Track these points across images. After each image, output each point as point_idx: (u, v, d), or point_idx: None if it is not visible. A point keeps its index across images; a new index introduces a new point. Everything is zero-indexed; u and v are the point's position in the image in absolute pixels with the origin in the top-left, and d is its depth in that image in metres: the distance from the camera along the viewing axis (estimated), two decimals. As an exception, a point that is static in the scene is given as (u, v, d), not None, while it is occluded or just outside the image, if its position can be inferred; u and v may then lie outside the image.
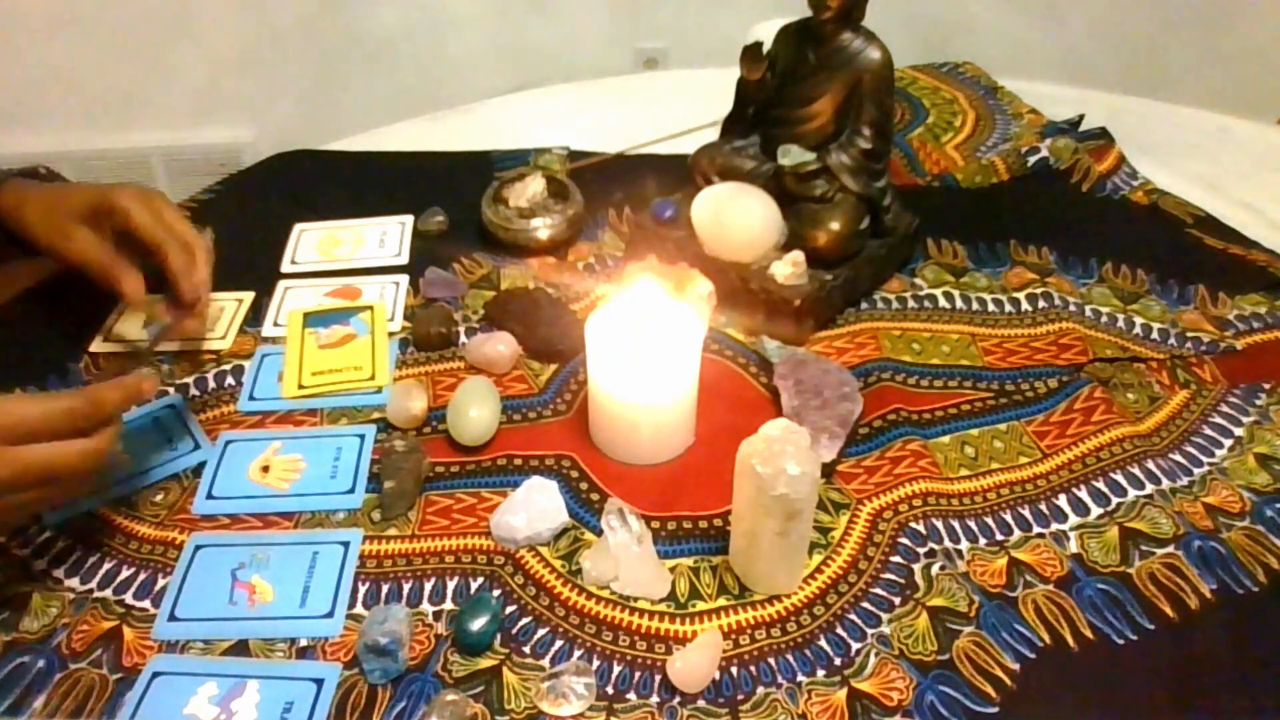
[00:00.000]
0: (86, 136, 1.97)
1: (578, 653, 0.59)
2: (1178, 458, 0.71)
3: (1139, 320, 0.82)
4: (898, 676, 0.57)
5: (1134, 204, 0.97)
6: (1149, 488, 0.68)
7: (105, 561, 0.64)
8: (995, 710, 0.56)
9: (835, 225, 0.79)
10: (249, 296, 0.84)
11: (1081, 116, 1.07)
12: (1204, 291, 0.85)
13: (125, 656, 0.58)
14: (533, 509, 0.65)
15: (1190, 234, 0.92)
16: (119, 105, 1.96)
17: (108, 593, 0.62)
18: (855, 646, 0.59)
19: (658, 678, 0.57)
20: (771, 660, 0.58)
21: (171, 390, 0.76)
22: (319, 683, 0.56)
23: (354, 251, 0.90)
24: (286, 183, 1.00)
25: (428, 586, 0.62)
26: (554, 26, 1.99)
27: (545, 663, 0.58)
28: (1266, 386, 0.76)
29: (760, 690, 0.57)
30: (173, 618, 0.60)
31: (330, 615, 0.60)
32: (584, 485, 0.69)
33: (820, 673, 0.58)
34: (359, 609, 0.61)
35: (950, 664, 0.58)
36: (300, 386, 0.76)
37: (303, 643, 0.59)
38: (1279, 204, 0.96)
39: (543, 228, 0.88)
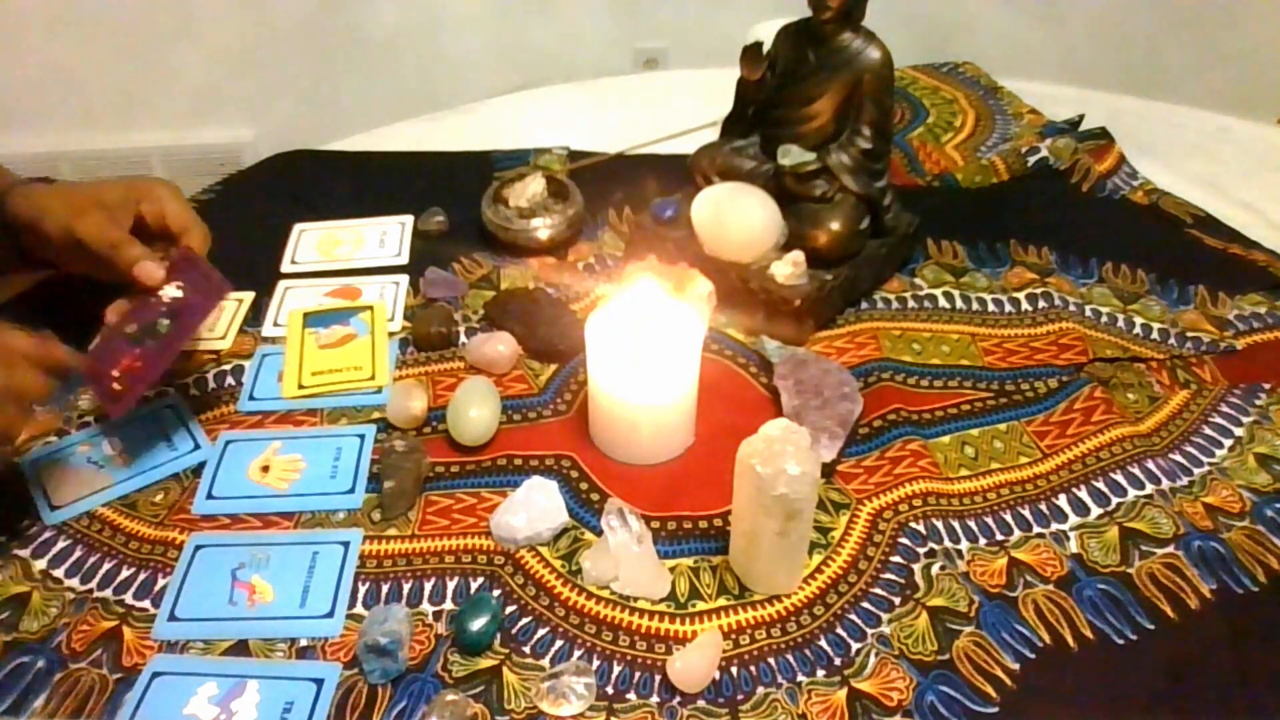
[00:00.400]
0: (86, 136, 1.97)
1: (578, 653, 0.59)
2: (1178, 458, 0.71)
3: (1139, 320, 0.82)
4: (898, 676, 0.57)
5: (1134, 204, 0.97)
6: (1149, 488, 0.68)
7: (105, 561, 0.64)
8: (995, 710, 0.56)
9: (835, 225, 0.79)
10: (249, 296, 0.84)
11: (1081, 116, 1.07)
12: (1204, 291, 0.85)
13: (125, 656, 0.58)
14: (533, 509, 0.65)
15: (1190, 234, 0.92)
16: (119, 105, 1.96)
17: (108, 593, 0.62)
18: (855, 646, 0.59)
19: (658, 678, 0.57)
20: (771, 660, 0.58)
21: (171, 391, 0.76)
22: (319, 683, 0.56)
23: (354, 251, 0.90)
24: (286, 183, 1.00)
25: (428, 586, 0.62)
26: (554, 26, 1.99)
27: (545, 663, 0.58)
28: (1266, 386, 0.76)
29: (760, 690, 0.57)
30: (173, 618, 0.60)
31: (330, 615, 0.60)
32: (584, 485, 0.69)
33: (820, 673, 0.58)
34: (359, 609, 0.61)
35: (950, 664, 0.58)
36: (300, 386, 0.76)
37: (303, 643, 0.59)
38: (1279, 204, 0.96)
39: (543, 228, 0.88)
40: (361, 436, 0.72)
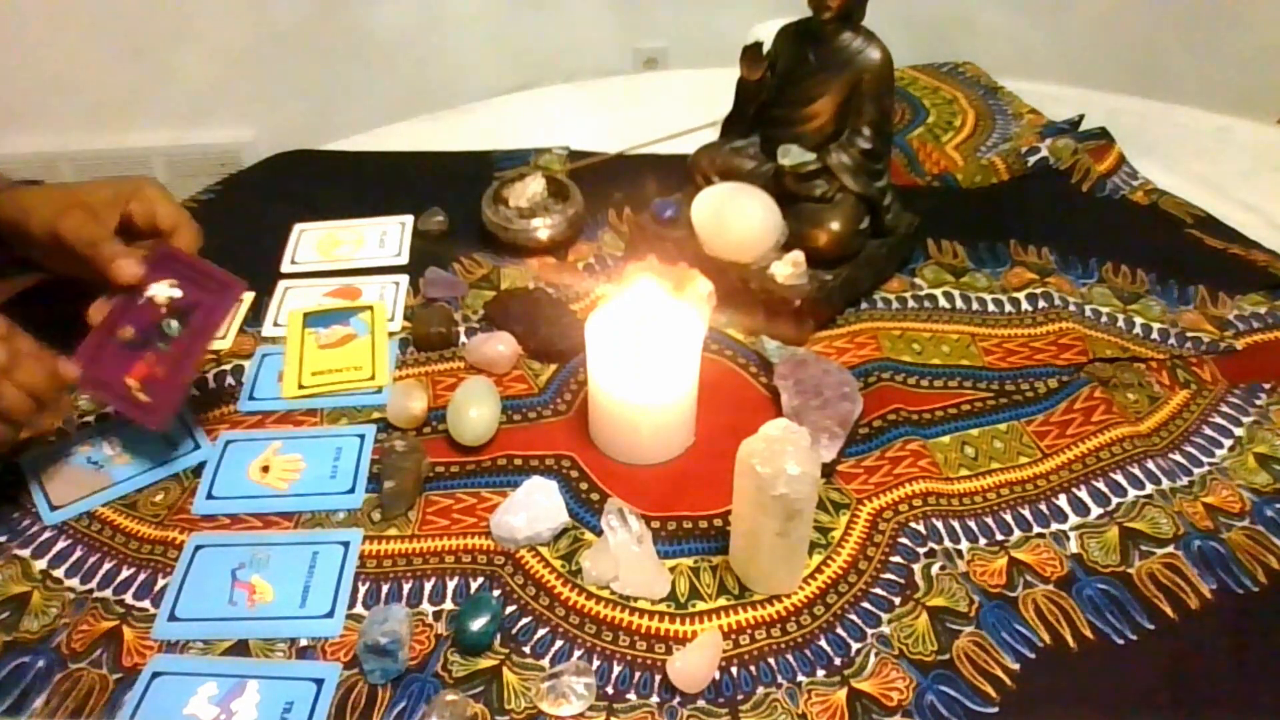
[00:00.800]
0: (87, 136, 1.97)
1: (578, 653, 0.59)
2: (1178, 458, 0.71)
3: (1139, 320, 0.82)
4: (898, 676, 0.57)
5: (1134, 204, 0.97)
6: (1149, 488, 0.68)
7: (105, 561, 0.64)
8: (995, 710, 0.56)
9: (835, 225, 0.79)
10: (249, 296, 0.83)
11: (1081, 116, 1.07)
12: (1204, 291, 0.85)
13: (125, 656, 0.58)
14: (533, 509, 0.65)
15: (1190, 234, 0.92)
16: (119, 105, 1.96)
17: (108, 593, 0.62)
18: (855, 646, 0.59)
19: (658, 678, 0.57)
20: (771, 660, 0.58)
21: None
22: (319, 683, 0.56)
23: (354, 251, 0.90)
24: (286, 183, 1.00)
25: (428, 586, 0.62)
26: (554, 26, 1.99)
27: (545, 663, 0.58)
28: (1266, 386, 0.76)
29: (760, 690, 0.57)
30: (173, 618, 0.60)
31: (330, 615, 0.60)
32: (584, 485, 0.69)
33: (820, 673, 0.58)
34: (359, 609, 0.61)
35: (950, 664, 0.58)
36: (300, 386, 0.76)
37: (303, 643, 0.59)
38: (1279, 204, 0.96)
39: (543, 228, 0.88)
40: (361, 436, 0.72)
